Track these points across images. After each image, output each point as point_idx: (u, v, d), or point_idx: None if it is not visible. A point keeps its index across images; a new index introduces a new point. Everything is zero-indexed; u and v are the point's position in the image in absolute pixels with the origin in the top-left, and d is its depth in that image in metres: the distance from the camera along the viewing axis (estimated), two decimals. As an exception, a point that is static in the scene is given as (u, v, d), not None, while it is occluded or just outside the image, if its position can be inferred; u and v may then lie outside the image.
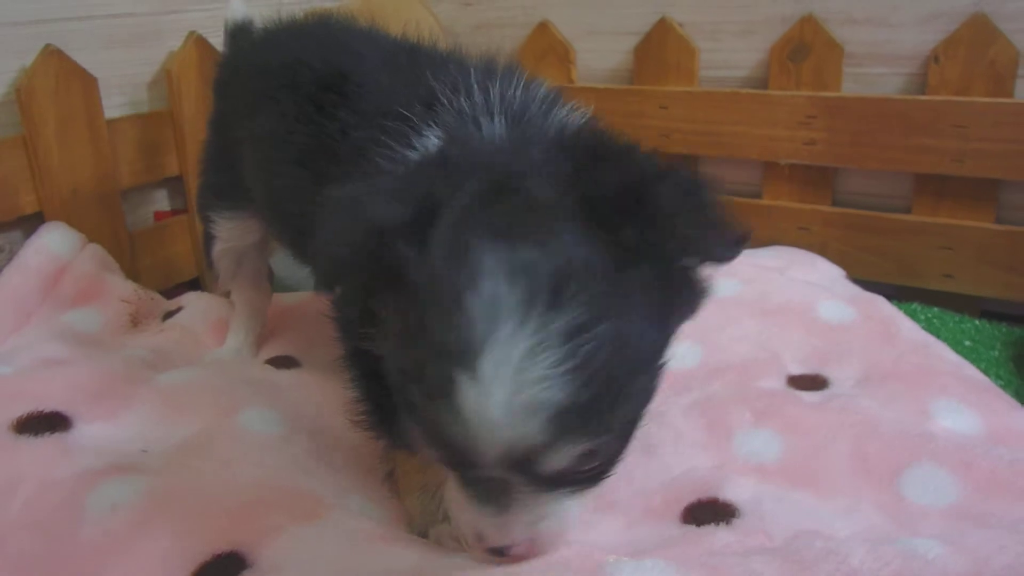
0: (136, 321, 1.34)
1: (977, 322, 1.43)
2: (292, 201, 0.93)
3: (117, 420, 0.93)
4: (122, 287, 1.35)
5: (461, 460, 0.60)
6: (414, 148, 0.75)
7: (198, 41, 1.55)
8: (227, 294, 1.30)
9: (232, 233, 1.15)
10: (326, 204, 0.65)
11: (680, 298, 0.65)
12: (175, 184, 1.64)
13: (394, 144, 0.75)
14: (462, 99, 0.76)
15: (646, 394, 0.64)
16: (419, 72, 0.83)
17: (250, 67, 1.04)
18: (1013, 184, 1.42)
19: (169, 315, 1.34)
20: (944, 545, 0.64)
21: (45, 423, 0.89)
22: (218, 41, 1.53)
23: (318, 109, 0.88)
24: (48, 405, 0.92)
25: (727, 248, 0.61)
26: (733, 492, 0.80)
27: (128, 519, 0.74)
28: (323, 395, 1.05)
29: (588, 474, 0.62)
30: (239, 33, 1.18)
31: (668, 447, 0.91)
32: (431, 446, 0.61)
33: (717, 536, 0.73)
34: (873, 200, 1.57)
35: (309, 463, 0.86)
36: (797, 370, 1.06)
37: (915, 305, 1.44)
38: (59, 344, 1.12)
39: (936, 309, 1.43)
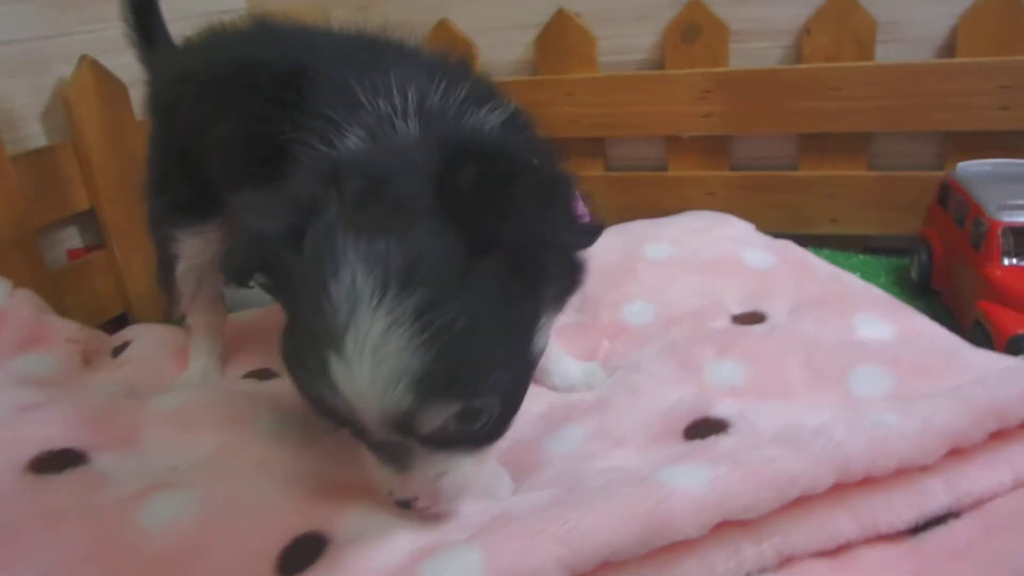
0: (87, 360, 1.31)
1: (862, 257, 1.65)
2: None
3: (131, 446, 0.93)
4: (65, 327, 1.31)
5: (353, 429, 0.69)
6: (335, 148, 0.79)
7: (92, 65, 1.47)
8: (180, 320, 1.29)
9: (196, 249, 1.14)
10: (233, 208, 0.73)
11: (548, 276, 0.74)
12: (85, 219, 1.57)
13: (318, 144, 0.80)
14: (381, 101, 0.82)
15: (520, 361, 0.73)
16: (354, 72, 0.86)
17: (201, 74, 1.03)
18: (881, 135, 1.65)
19: (118, 351, 1.33)
20: (898, 415, 0.80)
21: (60, 460, 0.88)
22: (112, 64, 1.50)
23: (280, 106, 0.88)
24: (54, 444, 0.90)
25: (577, 237, 0.71)
26: (719, 410, 0.93)
27: (193, 527, 0.77)
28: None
29: (477, 434, 0.71)
30: (161, 49, 1.19)
31: (649, 387, 1.03)
32: (324, 420, 0.70)
33: (720, 443, 0.86)
34: (765, 161, 1.77)
35: (341, 454, 0.90)
36: (738, 310, 1.22)
37: (810, 249, 1.64)
38: (24, 390, 1.09)
39: (827, 250, 1.64)
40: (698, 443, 0.87)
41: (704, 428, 0.90)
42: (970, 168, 1.42)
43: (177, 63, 1.12)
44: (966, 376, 0.91)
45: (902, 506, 0.77)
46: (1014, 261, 1.18)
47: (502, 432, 0.75)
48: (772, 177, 1.74)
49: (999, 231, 1.19)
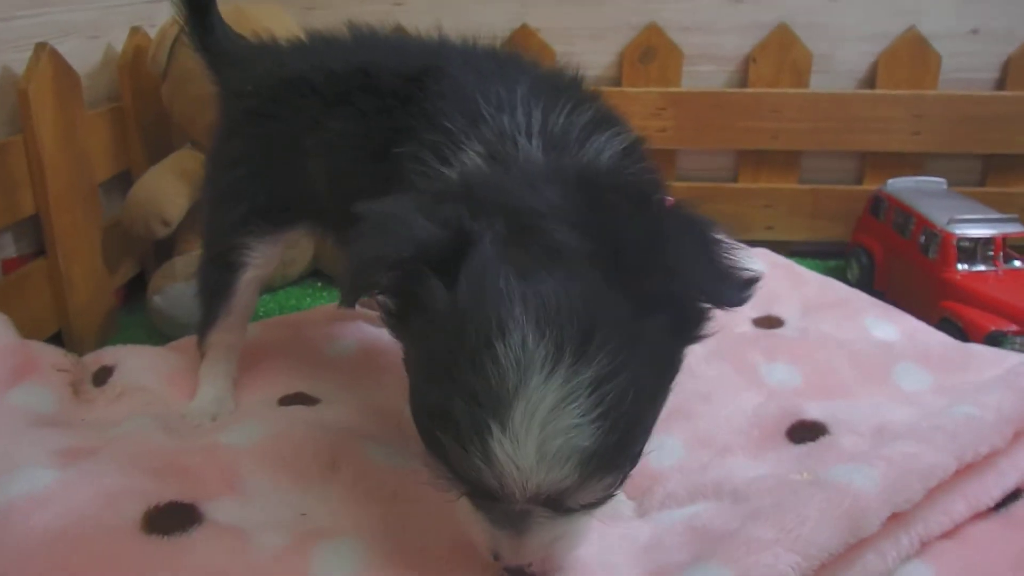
0: (76, 390, 1.15)
1: (795, 260, 1.85)
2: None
3: (237, 494, 0.84)
4: (48, 353, 1.14)
5: (487, 497, 0.63)
6: (451, 166, 0.75)
7: (52, 55, 1.30)
8: (201, 338, 1.16)
9: (268, 258, 1.09)
10: (363, 217, 0.65)
11: (689, 334, 0.70)
12: (26, 226, 1.35)
13: (431, 161, 0.76)
14: (504, 116, 0.77)
15: (655, 420, 0.69)
16: (476, 82, 0.83)
17: (303, 78, 0.97)
18: (811, 153, 1.86)
19: (100, 377, 1.17)
20: (976, 406, 0.93)
21: (175, 516, 0.77)
22: (67, 50, 1.33)
23: (402, 105, 0.85)
24: (155, 499, 0.80)
25: (739, 295, 0.63)
26: (810, 413, 1.02)
27: (376, 567, 0.73)
28: (380, 421, 1.05)
29: (599, 503, 0.67)
30: (232, 52, 1.10)
31: (719, 393, 1.10)
32: (455, 481, 0.64)
33: (835, 443, 0.95)
34: (707, 173, 1.93)
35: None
36: (754, 314, 1.33)
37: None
38: (46, 432, 0.94)
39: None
40: (811, 446, 0.96)
41: (806, 431, 0.98)
42: (899, 184, 1.66)
43: (276, 65, 1.04)
44: (989, 369, 1.08)
45: (992, 486, 0.90)
46: (967, 267, 1.40)
47: (619, 490, 0.71)
48: (714, 188, 1.90)
49: (954, 242, 1.40)
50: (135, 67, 1.56)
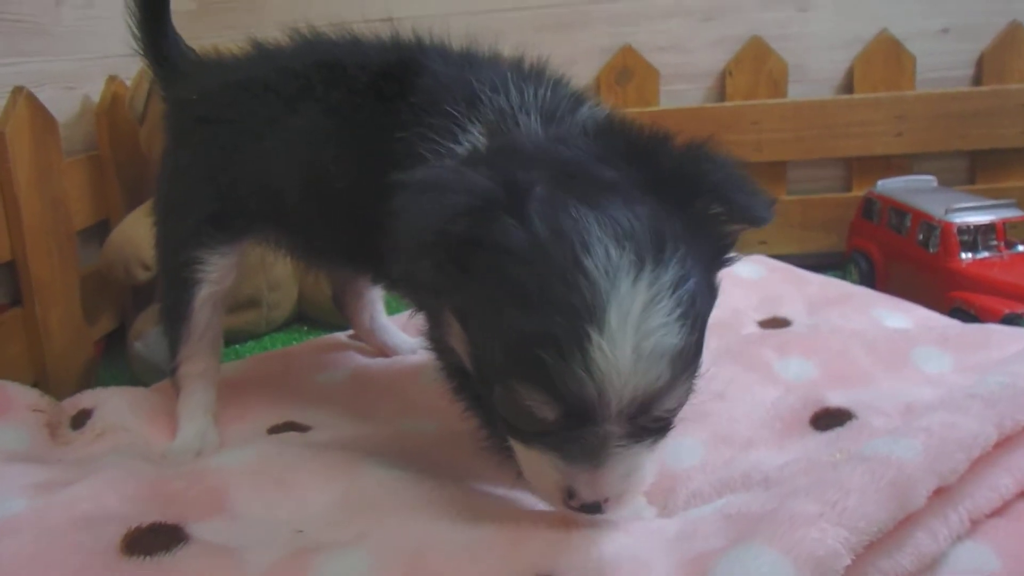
0: (53, 432, 1.08)
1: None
2: (353, 198, 0.88)
3: (227, 514, 0.77)
4: (24, 394, 1.09)
5: (582, 414, 0.64)
6: (460, 144, 0.80)
7: (29, 99, 1.28)
8: (172, 371, 1.11)
9: (223, 272, 1.04)
10: (409, 184, 0.68)
11: (721, 253, 0.75)
12: (1, 273, 1.30)
13: (442, 140, 0.80)
14: (501, 98, 0.82)
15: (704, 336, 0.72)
16: (464, 70, 0.86)
17: (255, 79, 0.98)
18: (796, 163, 1.85)
19: (78, 420, 1.10)
20: (1007, 376, 0.88)
21: (157, 537, 0.71)
22: (44, 99, 1.32)
23: (378, 99, 0.88)
24: (136, 520, 0.73)
25: (767, 211, 0.72)
26: (833, 400, 0.96)
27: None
28: (379, 441, 0.99)
29: (670, 419, 0.71)
30: (183, 65, 1.09)
31: (734, 391, 1.05)
32: (551, 404, 0.64)
33: (865, 425, 0.89)
34: (694, 192, 1.91)
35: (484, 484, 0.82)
36: (759, 316, 1.29)
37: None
38: (22, 466, 0.88)
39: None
40: (839, 431, 0.90)
41: (832, 418, 0.93)
42: (890, 184, 1.64)
43: (225, 72, 1.04)
44: (1011, 345, 1.04)
45: (1034, 457, 0.85)
46: (971, 256, 1.37)
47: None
48: (703, 207, 1.87)
49: (954, 231, 1.38)
50: (113, 114, 1.54)
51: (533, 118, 0.80)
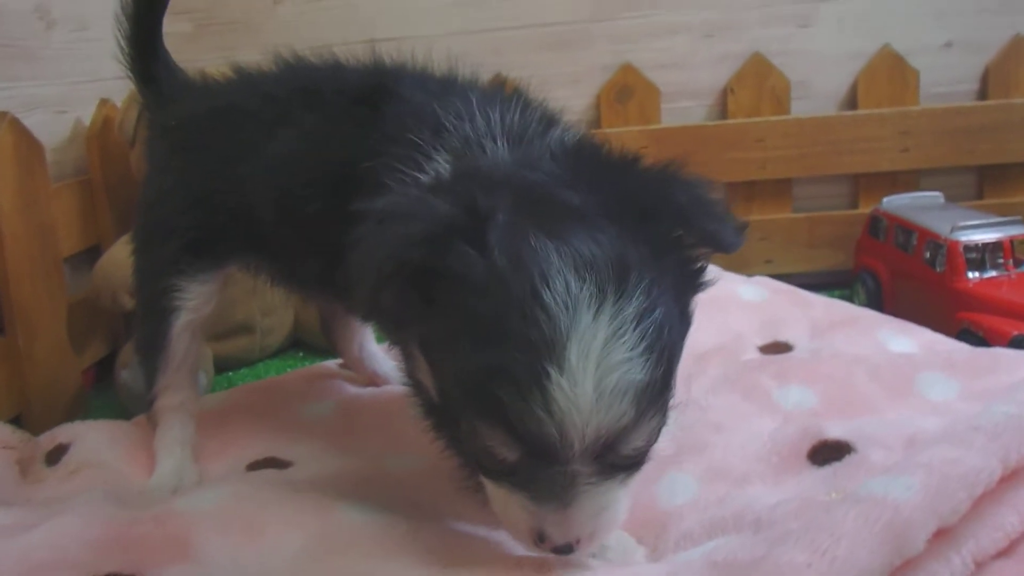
0: (24, 470, 1.06)
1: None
2: (325, 225, 0.86)
3: (191, 561, 0.75)
4: None
5: (544, 454, 0.62)
6: (425, 173, 0.78)
7: (13, 124, 1.26)
8: (148, 404, 1.09)
9: (202, 299, 1.02)
10: (370, 213, 0.67)
11: (693, 279, 0.74)
12: None
13: (407, 169, 0.79)
14: (466, 124, 0.81)
15: (677, 368, 0.70)
16: (432, 97, 0.85)
17: (236, 105, 0.98)
18: (802, 180, 1.81)
19: (54, 457, 1.08)
20: (1014, 405, 0.84)
21: None
22: (34, 124, 1.31)
23: (354, 124, 0.87)
24: (92, 570, 0.71)
25: (735, 237, 0.70)
26: (832, 432, 0.92)
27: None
28: (360, 479, 0.96)
29: (641, 456, 0.68)
30: (169, 90, 1.08)
31: (731, 422, 1.01)
32: (510, 445, 0.62)
33: (864, 460, 0.85)
34: (697, 211, 1.88)
35: (457, 522, 0.79)
36: (760, 341, 1.25)
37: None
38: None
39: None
40: (836, 466, 0.86)
41: (830, 451, 0.89)
42: (896, 201, 1.60)
43: (209, 97, 1.03)
44: (1020, 370, 1.00)
45: (1042, 492, 0.80)
46: (978, 275, 1.32)
47: (651, 452, 0.71)
48: (706, 225, 1.84)
49: (960, 250, 1.33)
50: (104, 138, 1.53)
51: (500, 143, 0.79)
